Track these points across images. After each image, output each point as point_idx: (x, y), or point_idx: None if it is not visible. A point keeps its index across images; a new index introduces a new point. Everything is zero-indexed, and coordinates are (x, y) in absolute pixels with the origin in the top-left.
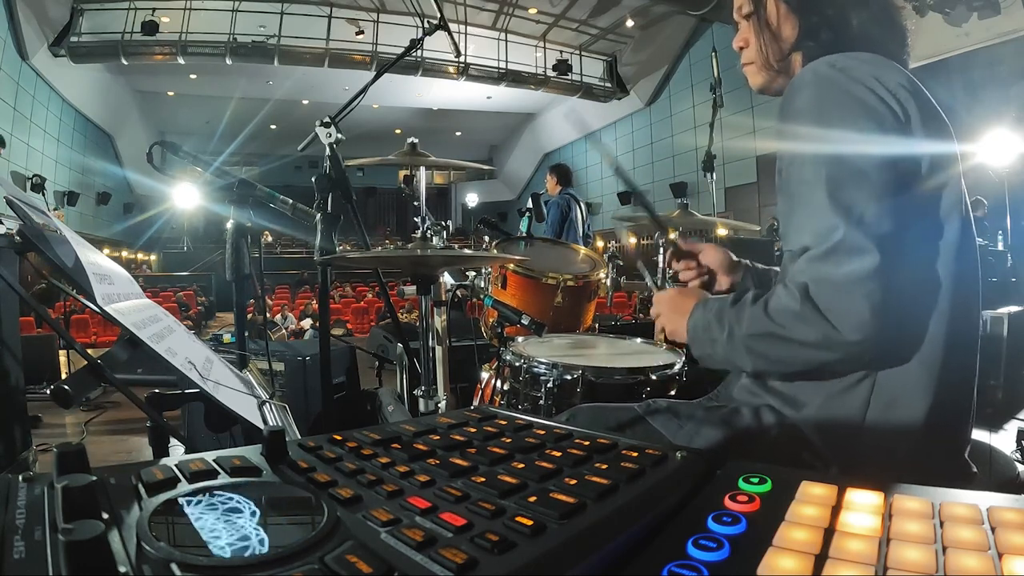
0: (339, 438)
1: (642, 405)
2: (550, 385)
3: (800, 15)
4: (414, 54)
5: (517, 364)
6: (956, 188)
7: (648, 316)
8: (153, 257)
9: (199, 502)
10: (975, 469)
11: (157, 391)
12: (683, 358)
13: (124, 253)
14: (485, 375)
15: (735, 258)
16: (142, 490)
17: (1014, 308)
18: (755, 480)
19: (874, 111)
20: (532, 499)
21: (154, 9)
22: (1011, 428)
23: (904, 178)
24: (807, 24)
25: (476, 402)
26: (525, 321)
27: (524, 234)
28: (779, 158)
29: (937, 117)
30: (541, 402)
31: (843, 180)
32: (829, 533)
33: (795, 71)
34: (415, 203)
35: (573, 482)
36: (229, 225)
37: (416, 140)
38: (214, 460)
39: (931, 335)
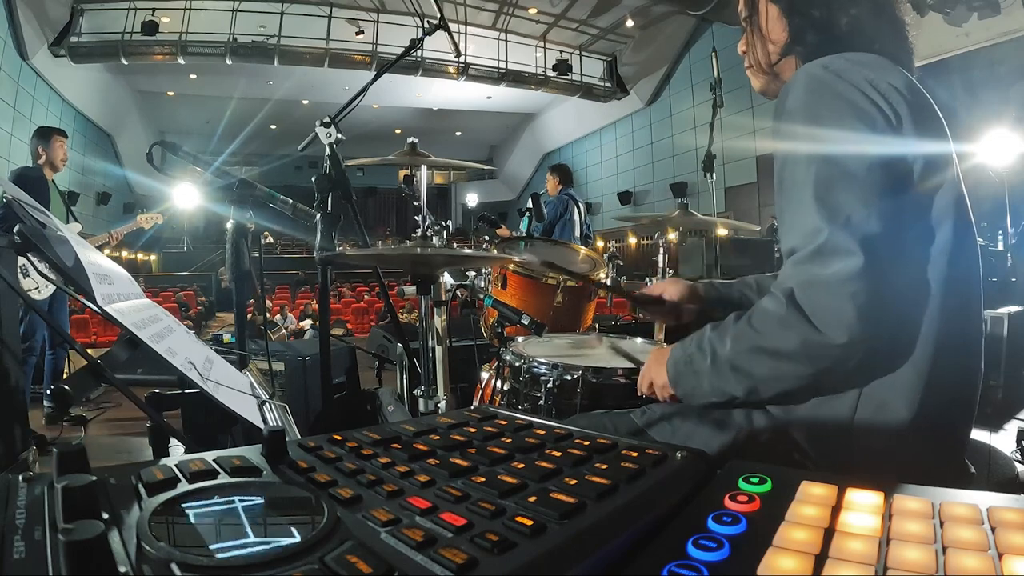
0: (339, 438)
1: (637, 412)
2: (550, 385)
3: (789, 18)
4: (414, 54)
5: (517, 364)
6: (951, 191)
7: (647, 317)
8: (153, 257)
9: (199, 502)
10: (973, 470)
11: (157, 391)
12: None
13: (124, 253)
14: (485, 375)
15: (690, 283)
16: (142, 490)
17: (1014, 308)
18: (755, 480)
19: (865, 113)
20: (532, 499)
21: (154, 9)
22: (1011, 428)
23: (894, 181)
24: (795, 27)
25: (476, 402)
26: (525, 321)
27: (524, 233)
28: (774, 159)
29: (932, 120)
30: (541, 402)
31: (831, 181)
32: (829, 533)
33: (787, 75)
34: (415, 203)
35: (573, 482)
36: (229, 225)
37: (416, 140)
38: (214, 460)
39: (921, 338)
